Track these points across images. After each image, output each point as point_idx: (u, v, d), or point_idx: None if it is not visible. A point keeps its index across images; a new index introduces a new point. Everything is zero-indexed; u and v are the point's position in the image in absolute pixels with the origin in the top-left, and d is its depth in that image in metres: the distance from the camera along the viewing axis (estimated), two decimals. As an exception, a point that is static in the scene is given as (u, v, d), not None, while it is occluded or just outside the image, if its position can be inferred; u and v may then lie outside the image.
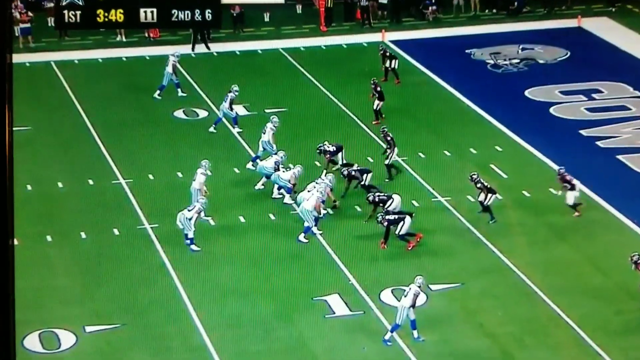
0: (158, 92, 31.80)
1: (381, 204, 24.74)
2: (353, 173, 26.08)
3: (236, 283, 22.81)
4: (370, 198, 24.93)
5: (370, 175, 26.14)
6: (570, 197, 25.37)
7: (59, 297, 22.24)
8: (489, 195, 25.22)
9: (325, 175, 25.74)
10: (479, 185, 25.36)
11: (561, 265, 23.56)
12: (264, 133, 27.40)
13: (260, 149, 27.49)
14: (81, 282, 22.51)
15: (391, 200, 24.83)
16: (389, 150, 27.39)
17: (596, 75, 33.79)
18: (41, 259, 23.55)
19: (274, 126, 27.48)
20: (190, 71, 33.71)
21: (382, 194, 25.08)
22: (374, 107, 30.05)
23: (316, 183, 24.99)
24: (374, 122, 29.97)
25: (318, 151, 27.07)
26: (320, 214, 24.52)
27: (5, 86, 8.93)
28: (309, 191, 24.74)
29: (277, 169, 25.84)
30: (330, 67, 34.46)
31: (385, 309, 21.90)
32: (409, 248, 23.84)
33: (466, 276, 23.10)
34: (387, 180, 27.08)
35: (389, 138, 27.55)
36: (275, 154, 26.53)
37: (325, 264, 23.65)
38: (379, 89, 29.81)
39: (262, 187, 26.35)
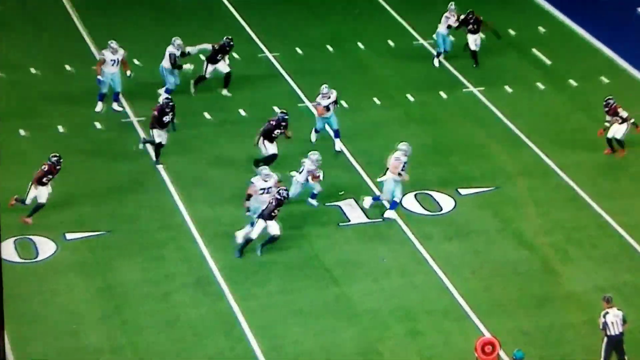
0: None
1: None
2: None
3: (234, 188, 22.80)
4: None
5: None
6: (619, 131, 23.54)
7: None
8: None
9: None
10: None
11: (612, 166, 23.72)
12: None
13: None
14: (61, 183, 22.46)
15: None
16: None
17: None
18: (16, 156, 23.61)
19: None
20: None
21: None
22: None
23: None
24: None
25: None
26: None
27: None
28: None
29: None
30: None
31: (407, 215, 22.09)
32: None
33: (502, 179, 23.28)
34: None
35: None
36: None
37: (342, 167, 23.85)
38: None
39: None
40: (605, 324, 17.58)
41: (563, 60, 28.20)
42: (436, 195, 22.63)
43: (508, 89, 26.65)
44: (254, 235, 20.60)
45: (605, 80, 27.24)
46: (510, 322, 19.02)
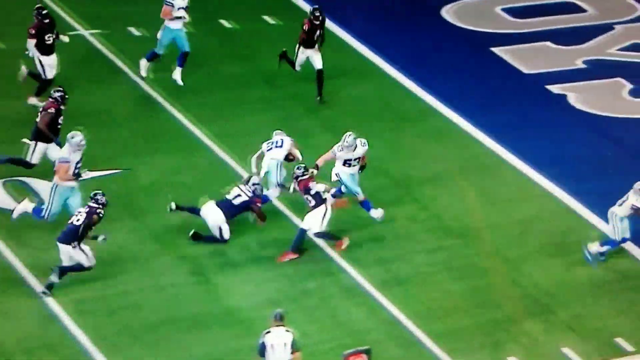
0: None
1: None
2: None
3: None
4: None
5: None
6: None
7: None
8: None
9: None
10: None
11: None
12: None
13: None
14: None
15: None
16: None
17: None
18: None
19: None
20: None
21: None
22: None
23: None
24: None
25: None
26: None
27: None
28: None
29: None
30: None
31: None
32: None
33: (132, 157, 22.06)
34: None
35: None
36: None
37: None
38: None
39: None
40: (263, 346, 16.72)
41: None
42: (34, 183, 21.06)
43: (134, 31, 25.57)
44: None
45: (271, 21, 26.67)
46: (149, 357, 17.75)
